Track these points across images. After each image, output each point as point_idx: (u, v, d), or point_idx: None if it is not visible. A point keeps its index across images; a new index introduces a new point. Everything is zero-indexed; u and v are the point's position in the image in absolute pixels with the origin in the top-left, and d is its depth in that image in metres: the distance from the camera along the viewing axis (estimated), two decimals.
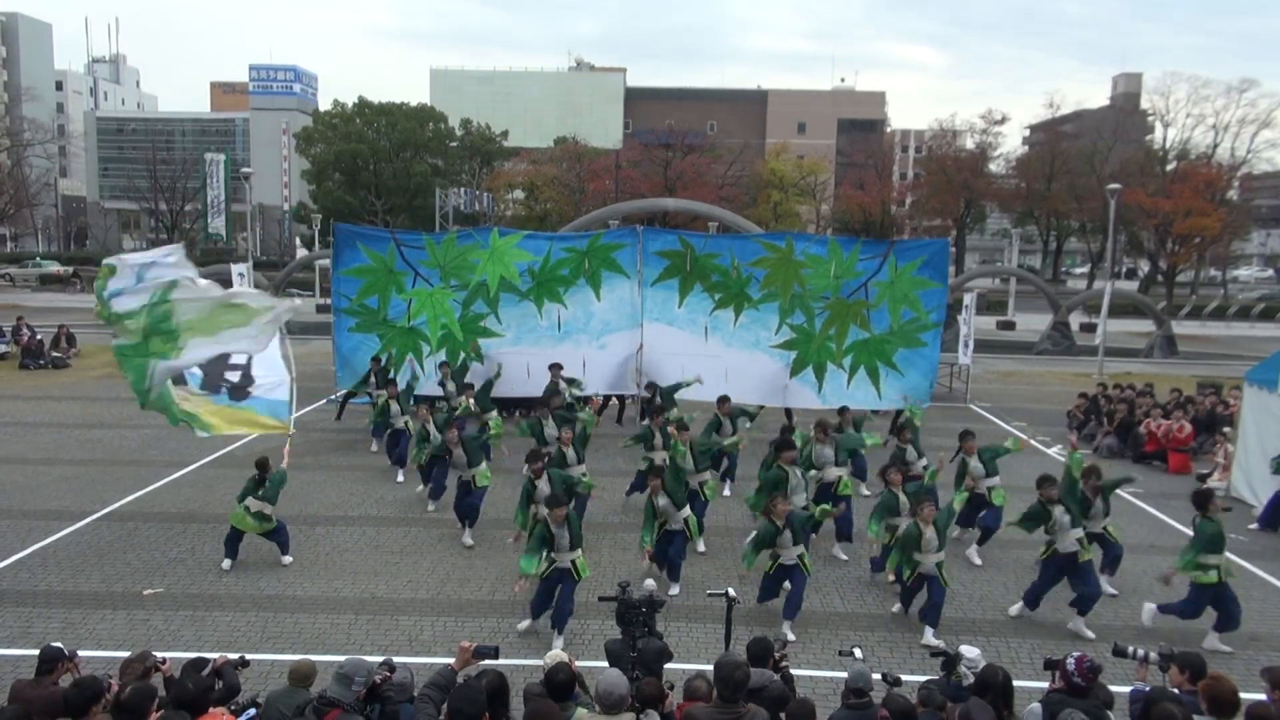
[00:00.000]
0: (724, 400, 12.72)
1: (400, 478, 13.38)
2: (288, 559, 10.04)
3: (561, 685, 5.07)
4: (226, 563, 9.86)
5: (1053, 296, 33.87)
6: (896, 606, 9.10)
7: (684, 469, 10.46)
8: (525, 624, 8.52)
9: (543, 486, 9.39)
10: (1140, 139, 63.82)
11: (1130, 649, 6.24)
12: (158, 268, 10.18)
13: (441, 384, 15.56)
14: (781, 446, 10.59)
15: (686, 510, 9.74)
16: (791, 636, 8.37)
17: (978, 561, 10.60)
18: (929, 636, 8.38)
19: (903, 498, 9.59)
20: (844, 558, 10.66)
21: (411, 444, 13.16)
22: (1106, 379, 21.98)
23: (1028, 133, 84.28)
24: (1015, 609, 9.15)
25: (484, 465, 11.22)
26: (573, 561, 8.39)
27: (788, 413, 17.48)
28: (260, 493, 9.91)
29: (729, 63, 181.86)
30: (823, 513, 9.49)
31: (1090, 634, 8.68)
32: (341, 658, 5.38)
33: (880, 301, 16.46)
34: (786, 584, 8.73)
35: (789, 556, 8.69)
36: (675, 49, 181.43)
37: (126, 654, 6.15)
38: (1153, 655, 5.99)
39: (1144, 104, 65.95)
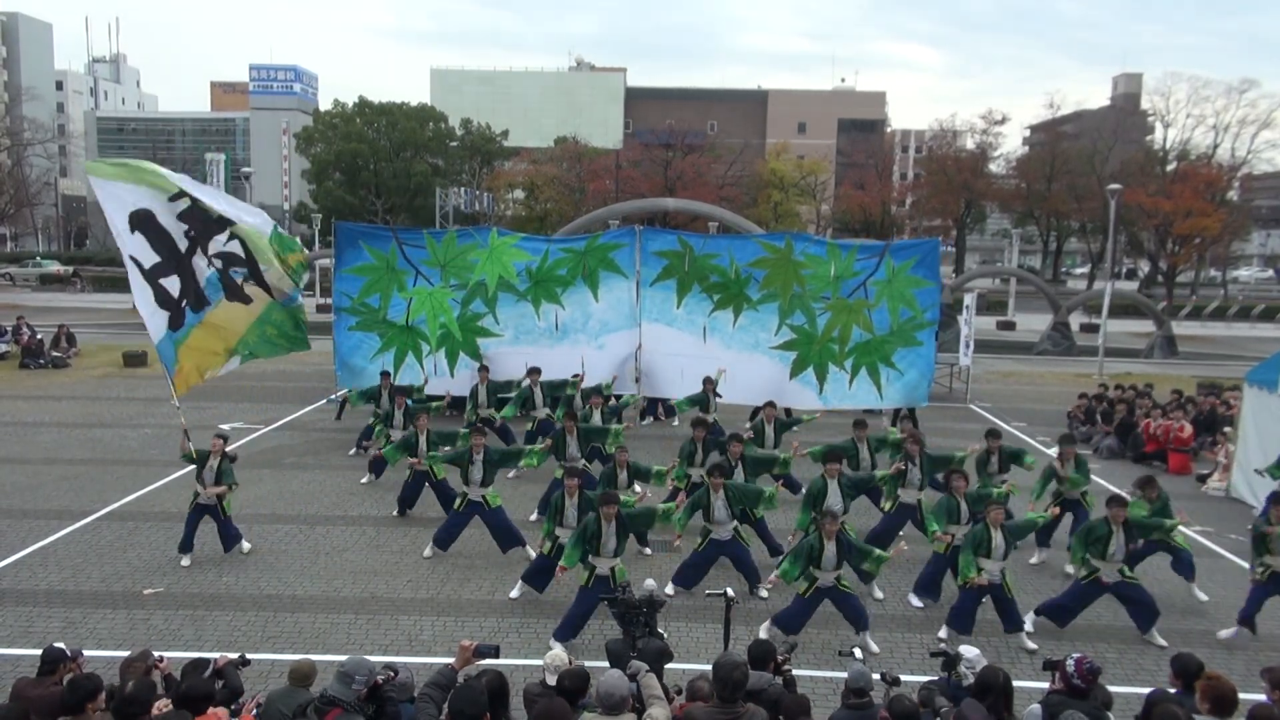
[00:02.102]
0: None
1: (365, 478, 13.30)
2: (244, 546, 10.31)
3: (574, 691, 5.10)
4: (185, 560, 9.96)
5: (1053, 297, 33.88)
6: (944, 631, 8.58)
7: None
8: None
9: (607, 538, 8.24)
10: (1140, 139, 63.82)
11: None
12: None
13: (474, 392, 14.95)
14: (828, 458, 10.19)
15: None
16: (874, 648, 8.12)
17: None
18: (1027, 639, 8.42)
19: (963, 504, 9.32)
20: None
21: (376, 436, 13.60)
22: (1107, 379, 21.98)
23: (1028, 133, 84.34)
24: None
25: (491, 487, 10.40)
26: (611, 569, 8.21)
27: (787, 412, 17.47)
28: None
29: (727, 63, 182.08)
30: (877, 560, 8.47)
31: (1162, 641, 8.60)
32: (341, 657, 5.38)
33: (879, 301, 16.47)
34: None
35: (826, 579, 8.15)
36: (673, 48, 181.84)
37: (126, 653, 6.15)
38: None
39: (1144, 104, 66.03)
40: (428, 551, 10.35)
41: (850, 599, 8.25)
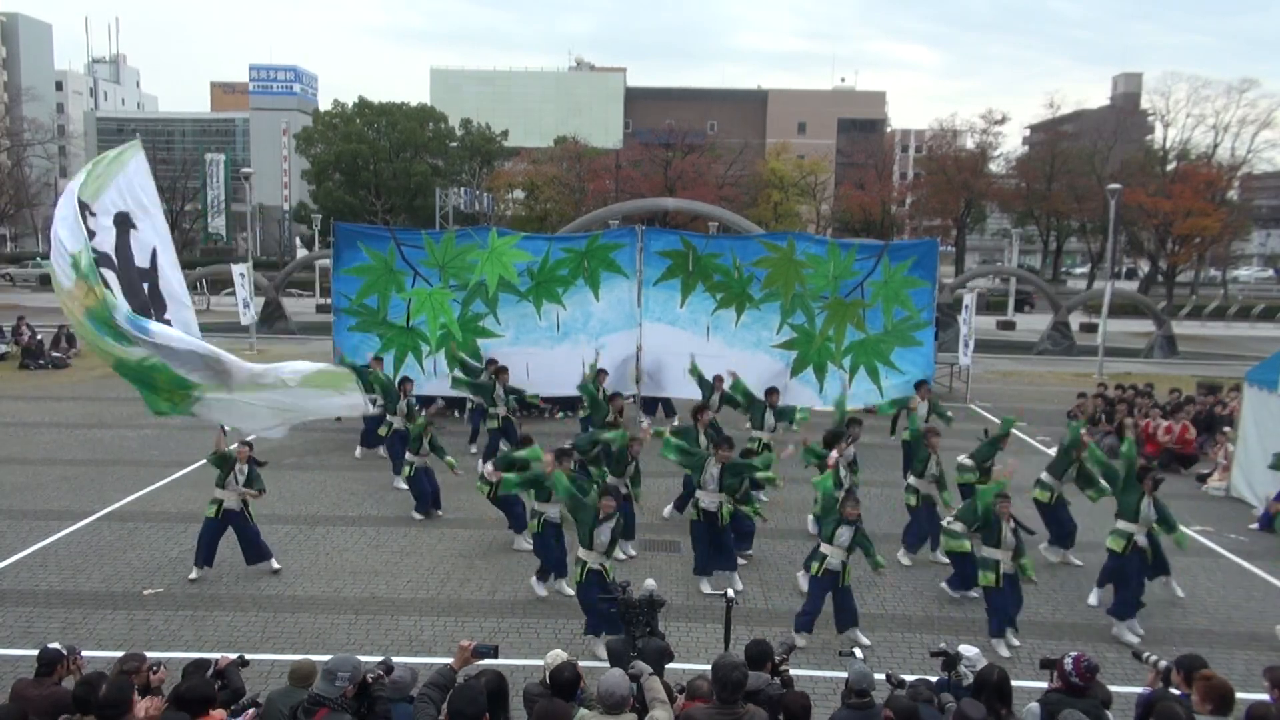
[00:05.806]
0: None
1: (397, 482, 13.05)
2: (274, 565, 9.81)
3: (567, 684, 5.07)
4: (196, 574, 9.58)
5: (1053, 296, 33.87)
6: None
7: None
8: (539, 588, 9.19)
9: (601, 535, 8.22)
10: (1140, 139, 63.76)
11: (1146, 654, 6.15)
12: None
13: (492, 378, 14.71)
14: (831, 440, 10.73)
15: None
16: (865, 641, 8.31)
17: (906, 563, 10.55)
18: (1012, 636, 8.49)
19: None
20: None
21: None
22: (1106, 379, 21.99)
23: (1028, 133, 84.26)
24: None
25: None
26: (602, 564, 8.19)
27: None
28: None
29: (724, 62, 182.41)
30: (875, 563, 8.79)
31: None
32: None
33: (874, 301, 16.59)
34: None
35: (834, 560, 8.36)
36: (670, 48, 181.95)
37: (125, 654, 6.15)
38: (1161, 663, 5.91)
39: (1144, 104, 65.90)
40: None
41: (846, 597, 8.47)
